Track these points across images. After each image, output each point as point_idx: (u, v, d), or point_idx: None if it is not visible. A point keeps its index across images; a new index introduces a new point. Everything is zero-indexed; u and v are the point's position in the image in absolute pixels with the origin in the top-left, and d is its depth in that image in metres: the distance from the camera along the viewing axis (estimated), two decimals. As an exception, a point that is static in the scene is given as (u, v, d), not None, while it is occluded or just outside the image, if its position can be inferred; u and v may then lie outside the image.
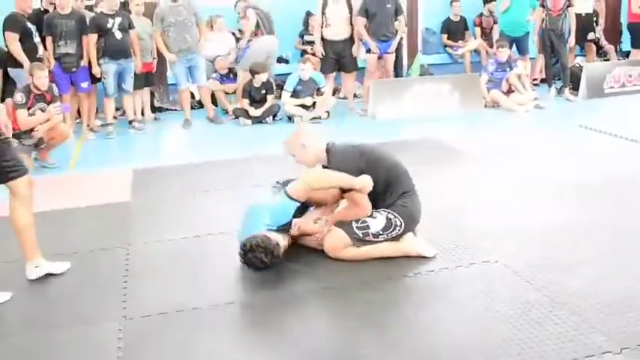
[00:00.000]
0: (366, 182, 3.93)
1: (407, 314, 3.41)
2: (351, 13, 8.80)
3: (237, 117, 8.72)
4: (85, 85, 7.99)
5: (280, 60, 10.58)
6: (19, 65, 7.35)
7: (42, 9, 8.15)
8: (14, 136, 6.35)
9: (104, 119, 8.36)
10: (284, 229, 4.05)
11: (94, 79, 8.18)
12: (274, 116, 8.74)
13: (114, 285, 3.87)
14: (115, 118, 8.42)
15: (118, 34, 7.91)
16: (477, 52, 11.22)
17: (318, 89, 8.71)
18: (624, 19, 11.06)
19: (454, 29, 11.41)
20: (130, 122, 8.39)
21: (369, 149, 4.18)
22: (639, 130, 7.12)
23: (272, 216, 4.02)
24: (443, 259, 3.99)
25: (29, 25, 7.45)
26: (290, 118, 8.65)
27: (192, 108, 8.95)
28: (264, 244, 3.79)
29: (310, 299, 3.63)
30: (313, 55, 9.15)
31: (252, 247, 3.78)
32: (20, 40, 7.34)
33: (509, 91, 9.25)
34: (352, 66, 9.12)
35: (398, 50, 9.44)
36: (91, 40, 7.85)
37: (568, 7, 9.32)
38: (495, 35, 10.82)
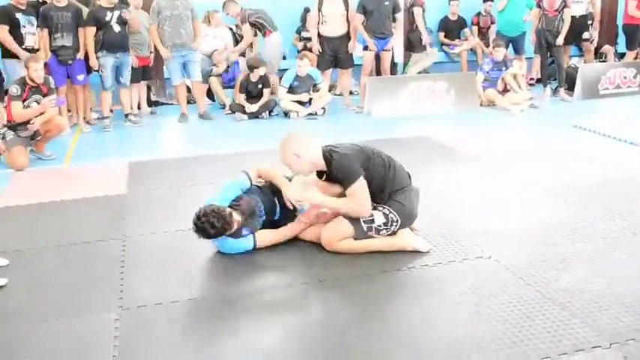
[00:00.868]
0: (363, 198, 3.95)
1: (399, 308, 3.45)
2: (347, 9, 8.84)
3: (233, 112, 8.74)
4: (81, 77, 8.00)
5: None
6: (13, 56, 7.35)
7: (40, 0, 8.15)
8: (10, 128, 6.39)
9: (100, 112, 8.37)
10: (234, 207, 4.08)
11: (89, 71, 8.19)
12: (270, 112, 8.78)
13: (110, 276, 3.89)
14: (111, 111, 8.43)
15: (116, 28, 7.91)
16: (473, 51, 11.27)
17: (315, 85, 8.75)
18: (620, 22, 11.12)
19: (451, 28, 11.46)
20: (127, 116, 8.40)
21: (364, 146, 4.19)
22: (633, 131, 7.18)
23: (220, 196, 4.14)
24: (437, 255, 4.03)
25: (19, 15, 7.41)
26: (286, 114, 8.69)
27: (188, 102, 8.97)
28: (218, 211, 3.86)
29: (305, 291, 3.66)
30: (310, 51, 9.18)
31: (206, 212, 3.85)
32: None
33: (505, 91, 9.31)
34: (348, 63, 9.15)
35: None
36: (89, 32, 7.85)
37: (564, 7, 9.37)
38: (492, 35, 10.89)
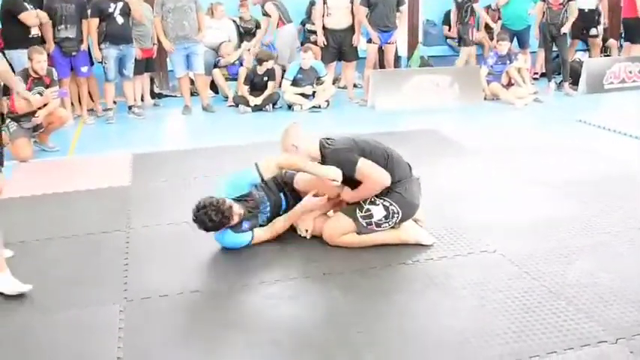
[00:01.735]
0: (336, 175, 3.96)
1: (404, 302, 3.44)
2: (352, 2, 8.81)
3: (237, 105, 8.72)
4: (84, 69, 7.99)
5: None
6: (18, 47, 7.34)
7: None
8: (13, 119, 6.38)
9: (104, 104, 8.36)
10: (240, 199, 4.09)
11: (93, 65, 8.18)
12: (274, 104, 8.75)
13: (115, 268, 3.89)
14: (114, 103, 8.41)
15: (120, 19, 7.89)
16: (478, 44, 11.22)
17: (319, 78, 8.72)
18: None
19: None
20: (130, 108, 8.38)
21: (363, 139, 4.19)
22: (638, 126, 7.15)
23: (227, 187, 4.13)
24: (441, 248, 4.02)
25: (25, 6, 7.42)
26: (290, 107, 8.67)
27: (192, 95, 8.95)
28: (217, 204, 3.84)
29: (309, 284, 3.66)
30: (315, 44, 9.16)
31: (205, 204, 3.84)
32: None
33: (509, 85, 9.27)
34: (353, 55, 9.13)
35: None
36: (92, 24, 7.84)
37: (569, 0, 9.33)
38: (497, 29, 10.83)
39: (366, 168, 3.96)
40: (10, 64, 7.26)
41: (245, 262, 3.92)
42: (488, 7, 11.31)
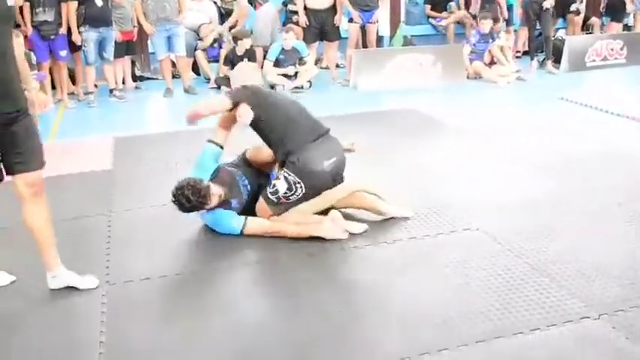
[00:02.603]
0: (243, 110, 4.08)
1: (386, 280, 3.43)
2: (333, -18, 8.75)
3: (219, 86, 8.66)
4: (63, 53, 7.86)
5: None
6: None
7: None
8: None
9: (85, 87, 8.26)
10: (215, 179, 4.05)
11: (74, 48, 8.06)
12: (256, 85, 8.69)
13: (97, 252, 3.86)
14: (95, 86, 8.32)
15: (99, 2, 7.77)
16: (460, 23, 11.19)
17: (301, 59, 8.66)
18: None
19: (438, 0, 11.35)
20: (111, 91, 8.29)
21: (280, 97, 4.26)
22: (619, 103, 7.19)
23: (196, 172, 4.09)
24: (424, 227, 4.03)
25: None
26: (272, 87, 8.59)
27: (173, 77, 8.87)
28: (194, 184, 3.79)
29: (293, 265, 3.64)
30: (297, 24, 9.09)
31: (182, 185, 3.80)
32: None
33: (492, 63, 9.27)
34: (335, 35, 9.08)
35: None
36: (71, 7, 7.72)
37: (551, -24, 9.32)
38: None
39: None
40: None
41: (228, 244, 3.90)
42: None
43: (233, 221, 3.97)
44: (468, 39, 9.54)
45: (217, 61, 9.17)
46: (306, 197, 4.01)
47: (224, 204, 3.97)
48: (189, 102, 8.24)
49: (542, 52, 9.91)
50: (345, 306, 3.18)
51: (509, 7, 10.09)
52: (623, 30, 11.40)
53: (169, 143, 6.14)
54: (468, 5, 11.07)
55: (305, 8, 8.85)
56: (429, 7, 11.37)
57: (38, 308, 3.28)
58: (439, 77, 9.02)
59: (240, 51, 8.58)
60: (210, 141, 4.27)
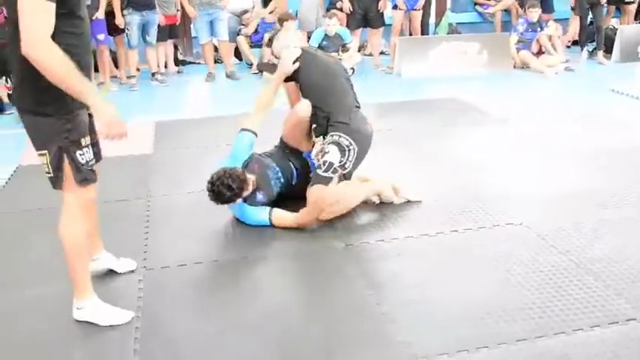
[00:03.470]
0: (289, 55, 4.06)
1: (425, 273, 3.35)
2: (378, -33, 8.62)
3: (261, 72, 8.62)
4: (101, 37, 7.87)
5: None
6: None
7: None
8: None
9: (128, 71, 8.32)
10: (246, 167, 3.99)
11: (117, 31, 8.10)
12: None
13: (134, 236, 3.87)
14: (137, 70, 8.37)
15: (143, -15, 7.82)
16: (507, 11, 10.94)
17: (344, 45, 8.57)
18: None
19: (485, -13, 11.13)
20: (153, 75, 8.34)
21: (316, 51, 4.21)
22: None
23: (229, 162, 4.02)
24: (466, 220, 3.93)
25: None
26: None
27: (215, 62, 8.87)
28: (231, 172, 3.75)
29: (330, 256, 3.59)
30: (340, 10, 8.99)
31: (219, 175, 3.74)
32: None
33: (540, 53, 9.05)
34: (379, 22, 8.97)
35: (424, 7, 9.20)
36: (115, -10, 7.78)
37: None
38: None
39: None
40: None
41: (263, 233, 3.85)
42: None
43: (259, 213, 3.91)
44: (515, 27, 9.32)
45: (260, 46, 9.13)
46: (357, 163, 3.91)
47: (250, 197, 3.89)
48: (231, 87, 8.29)
49: (592, 41, 9.63)
50: (380, 300, 3.11)
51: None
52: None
53: (210, 128, 6.14)
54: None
55: (349, -6, 8.75)
56: (476, -6, 11.16)
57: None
58: (485, 66, 8.85)
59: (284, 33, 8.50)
60: (243, 129, 4.17)
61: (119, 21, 7.89)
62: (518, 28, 9.12)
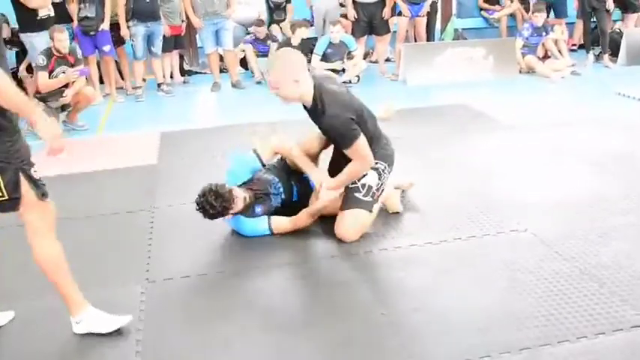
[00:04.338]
0: (329, 195, 3.84)
1: (429, 282, 3.33)
2: (382, -26, 8.62)
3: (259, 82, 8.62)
4: (106, 48, 7.89)
5: (311, 23, 10.43)
6: (26, 30, 7.32)
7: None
8: (40, 99, 6.40)
9: (133, 82, 8.35)
10: (246, 185, 3.98)
11: (119, 42, 8.14)
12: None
13: (138, 248, 3.86)
14: (143, 80, 8.40)
15: (148, -4, 7.85)
16: (513, 16, 10.92)
17: (349, 53, 8.57)
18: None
19: (491, -7, 11.11)
20: (159, 85, 8.36)
21: (354, 97, 3.87)
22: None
23: (228, 177, 4.02)
24: (471, 227, 3.90)
25: None
26: (320, 83, 8.52)
27: (221, 71, 8.89)
28: (216, 189, 3.68)
29: (331, 265, 3.58)
30: (345, 17, 8.99)
31: (204, 192, 3.70)
32: None
33: (545, 57, 9.02)
34: (384, 29, 8.95)
35: (430, 13, 9.18)
36: (120, 1, 7.80)
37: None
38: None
39: (362, 147, 3.66)
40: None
41: (266, 243, 3.84)
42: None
43: (258, 224, 3.90)
44: (520, 32, 9.28)
45: (266, 55, 9.13)
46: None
47: (247, 209, 3.86)
48: (236, 96, 8.29)
49: (598, 45, 9.58)
50: (384, 309, 3.09)
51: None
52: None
53: (216, 138, 6.14)
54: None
55: (353, 1, 8.74)
56: (481, -1, 11.14)
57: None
58: (491, 71, 8.82)
59: (295, 41, 8.46)
60: (254, 152, 4.13)
61: (124, 32, 7.92)
62: (523, 32, 9.08)
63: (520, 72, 8.95)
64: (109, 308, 3.21)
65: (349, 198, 3.82)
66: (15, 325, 3.13)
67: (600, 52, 9.47)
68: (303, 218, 3.91)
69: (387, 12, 8.75)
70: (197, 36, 9.37)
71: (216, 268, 3.60)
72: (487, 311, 3.01)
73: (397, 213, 4.15)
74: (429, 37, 9.42)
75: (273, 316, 3.11)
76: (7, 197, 2.70)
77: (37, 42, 7.16)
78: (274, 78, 3.57)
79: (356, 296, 3.24)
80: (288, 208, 4.03)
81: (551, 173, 4.81)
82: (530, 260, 3.46)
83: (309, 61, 8.71)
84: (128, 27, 7.90)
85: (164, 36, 8.23)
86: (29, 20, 7.28)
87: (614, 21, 10.46)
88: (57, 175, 5.21)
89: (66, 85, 6.51)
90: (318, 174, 3.97)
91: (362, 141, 3.65)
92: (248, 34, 9.38)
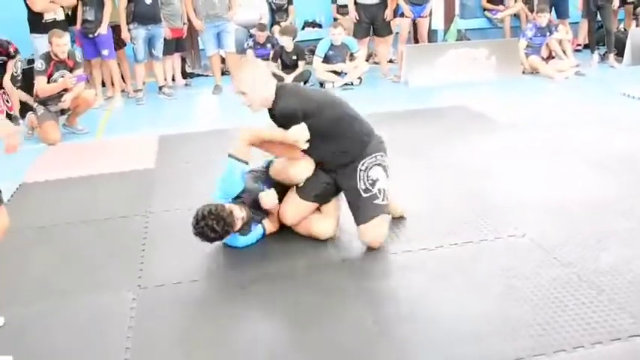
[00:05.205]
0: (298, 134, 3.64)
1: (424, 289, 3.26)
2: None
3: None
4: (105, 52, 7.84)
5: (313, 24, 10.41)
6: (33, 31, 7.34)
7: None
8: (40, 102, 6.37)
9: (134, 85, 8.32)
10: (239, 200, 3.83)
11: (119, 45, 8.11)
12: (305, 82, 8.58)
13: (131, 254, 3.82)
14: (144, 83, 8.37)
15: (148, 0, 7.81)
16: (517, 16, 10.84)
17: (351, 54, 8.52)
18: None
19: (494, -7, 11.02)
20: (160, 88, 8.33)
21: (322, 92, 3.84)
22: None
23: (221, 187, 3.85)
24: (468, 233, 3.84)
25: None
26: (321, 84, 8.49)
27: (223, 74, 8.85)
28: (217, 212, 3.52)
29: (324, 271, 3.51)
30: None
31: (204, 215, 3.52)
32: None
33: (549, 57, 8.94)
34: (385, 31, 8.89)
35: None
36: (120, 4, 7.77)
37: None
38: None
39: (292, 136, 3.66)
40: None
41: (261, 250, 3.79)
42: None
43: (253, 236, 3.83)
44: (523, 32, 9.20)
45: (266, 59, 9.10)
46: None
47: (242, 229, 3.75)
48: (237, 99, 8.20)
49: (603, 44, 9.49)
50: (378, 316, 3.03)
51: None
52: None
53: (215, 141, 6.07)
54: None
55: (355, 3, 8.69)
56: (484, -1, 11.07)
57: (66, 309, 3.24)
58: (494, 72, 8.75)
59: (289, 47, 8.47)
60: (231, 156, 3.77)
61: (125, 35, 7.90)
62: (526, 33, 9.00)
63: (524, 72, 8.88)
64: (99, 315, 3.19)
65: (369, 206, 3.70)
66: (4, 331, 3.08)
67: (606, 52, 9.38)
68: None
69: (388, 13, 8.69)
70: (199, 38, 9.33)
71: (210, 275, 3.55)
72: (482, 320, 2.94)
73: (402, 217, 4.08)
74: (430, 38, 9.35)
75: (264, 324, 3.06)
76: None
77: (39, 44, 7.16)
78: (244, 82, 3.71)
79: (349, 303, 3.18)
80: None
81: (553, 175, 4.74)
82: (527, 266, 3.39)
83: (311, 63, 8.70)
84: (129, 30, 7.86)
85: (165, 39, 8.21)
86: (35, 22, 7.37)
87: (620, 20, 10.38)
88: (54, 180, 5.21)
89: (65, 90, 6.47)
90: (293, 131, 3.69)
91: (296, 130, 3.64)
92: (250, 36, 9.34)
